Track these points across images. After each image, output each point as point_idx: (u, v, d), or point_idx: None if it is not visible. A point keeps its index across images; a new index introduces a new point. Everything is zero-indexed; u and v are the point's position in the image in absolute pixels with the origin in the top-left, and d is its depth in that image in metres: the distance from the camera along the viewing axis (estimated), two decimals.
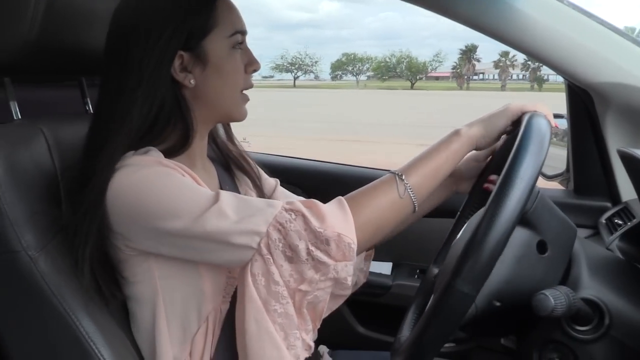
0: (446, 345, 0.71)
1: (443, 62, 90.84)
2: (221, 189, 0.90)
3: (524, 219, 0.74)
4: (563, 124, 1.33)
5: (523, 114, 0.89)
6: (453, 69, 78.24)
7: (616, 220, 1.13)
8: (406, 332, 0.92)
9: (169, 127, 0.86)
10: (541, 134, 0.74)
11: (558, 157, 1.37)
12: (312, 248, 0.74)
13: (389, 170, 0.86)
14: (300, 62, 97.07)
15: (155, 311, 0.84)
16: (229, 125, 1.05)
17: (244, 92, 0.91)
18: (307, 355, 0.82)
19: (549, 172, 1.40)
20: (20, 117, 0.92)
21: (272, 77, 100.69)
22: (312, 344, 0.83)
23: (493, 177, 1.00)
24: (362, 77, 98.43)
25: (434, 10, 1.17)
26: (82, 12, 0.95)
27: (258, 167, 1.09)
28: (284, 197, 1.11)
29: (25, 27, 0.83)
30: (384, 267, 1.52)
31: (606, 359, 0.73)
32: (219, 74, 0.86)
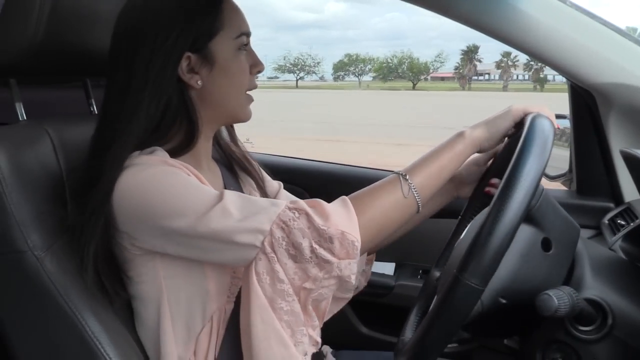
0: (449, 345, 0.71)
1: (445, 62, 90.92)
2: (225, 189, 0.91)
3: (528, 216, 0.74)
4: (565, 124, 1.33)
5: (526, 115, 0.89)
6: (455, 69, 78.24)
7: (619, 221, 1.13)
8: (409, 333, 0.92)
9: (175, 127, 0.86)
10: (544, 134, 0.75)
11: (560, 158, 1.37)
12: (315, 246, 0.75)
13: (392, 171, 0.86)
14: (303, 63, 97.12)
15: (160, 310, 0.84)
16: (232, 126, 1.05)
17: (248, 92, 0.92)
18: (314, 350, 0.82)
19: (552, 173, 1.40)
20: (25, 118, 0.93)
21: (277, 78, 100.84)
22: (319, 340, 0.83)
23: (495, 180, 1.01)
24: (368, 78, 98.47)
25: (437, 11, 1.17)
26: (86, 14, 0.95)
27: (261, 169, 1.09)
28: (288, 200, 1.12)
29: (31, 29, 0.83)
30: (387, 268, 1.52)
31: (609, 359, 0.73)
32: (225, 74, 0.87)
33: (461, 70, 73.38)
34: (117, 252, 0.84)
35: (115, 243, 0.82)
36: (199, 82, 0.85)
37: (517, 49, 1.15)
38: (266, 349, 0.76)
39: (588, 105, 1.22)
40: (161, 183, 0.78)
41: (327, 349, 1.10)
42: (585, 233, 1.06)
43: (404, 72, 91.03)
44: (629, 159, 0.88)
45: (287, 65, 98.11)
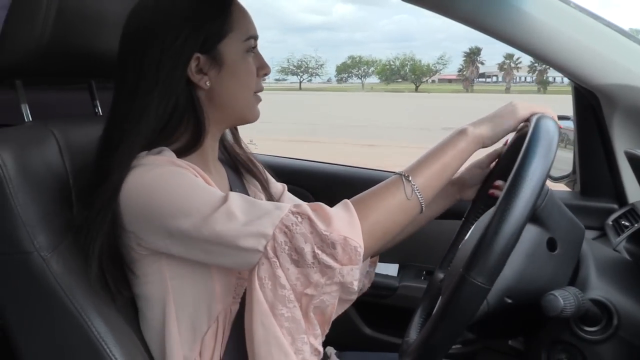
0: (453, 346, 0.71)
1: (447, 64, 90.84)
2: (231, 190, 0.91)
3: (534, 216, 0.74)
4: (568, 125, 1.33)
5: (531, 115, 0.89)
6: (459, 71, 78.17)
7: (623, 222, 1.13)
8: (413, 334, 0.92)
9: (182, 127, 0.87)
10: (550, 135, 0.75)
11: (563, 159, 1.37)
12: (318, 251, 0.74)
13: (394, 172, 0.85)
14: (306, 65, 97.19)
15: (166, 311, 0.84)
16: (236, 129, 1.06)
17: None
18: None
19: (555, 174, 1.40)
20: (30, 119, 0.93)
21: (285, 80, 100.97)
22: (321, 349, 0.82)
23: (499, 182, 1.01)
24: (374, 80, 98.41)
25: (441, 12, 1.17)
26: (92, 16, 0.96)
27: (265, 171, 1.10)
28: (291, 202, 1.12)
29: (37, 31, 0.84)
30: (391, 269, 1.52)
31: (614, 359, 0.73)
32: (233, 76, 0.87)
33: (464, 73, 73.32)
34: (124, 253, 0.84)
35: (121, 243, 0.83)
36: (207, 83, 0.86)
37: (521, 50, 1.16)
38: (267, 355, 0.76)
39: (592, 106, 1.22)
40: (168, 183, 0.78)
41: (331, 350, 1.10)
42: (589, 234, 1.06)
43: (406, 74, 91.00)
44: (633, 159, 0.88)
45: (291, 67, 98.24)
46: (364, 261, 1.03)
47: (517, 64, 68.13)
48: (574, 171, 1.35)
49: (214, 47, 0.85)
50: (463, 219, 1.05)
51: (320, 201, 0.79)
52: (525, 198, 0.66)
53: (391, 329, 1.51)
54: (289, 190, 1.15)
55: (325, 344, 0.87)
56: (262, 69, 0.92)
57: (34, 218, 0.79)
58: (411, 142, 11.11)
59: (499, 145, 1.04)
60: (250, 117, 0.93)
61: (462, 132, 0.88)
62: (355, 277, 0.76)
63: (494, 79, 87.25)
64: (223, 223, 0.75)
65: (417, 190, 0.82)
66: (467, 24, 1.16)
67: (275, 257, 0.75)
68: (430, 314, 0.97)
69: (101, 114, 1.14)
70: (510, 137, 0.98)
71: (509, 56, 66.69)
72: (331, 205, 0.79)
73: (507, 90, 62.17)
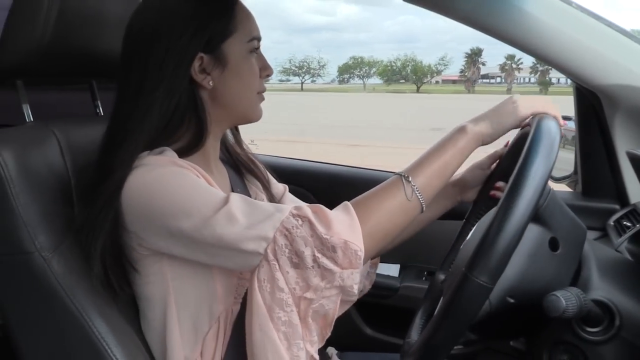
0: (454, 347, 0.71)
1: (449, 65, 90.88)
2: (233, 190, 0.91)
3: (536, 216, 0.74)
4: (569, 126, 1.32)
5: (533, 115, 0.88)
6: (461, 72, 78.18)
7: (624, 222, 1.12)
8: (415, 335, 0.92)
9: (183, 126, 0.87)
10: (551, 135, 0.75)
11: (564, 160, 1.36)
12: (318, 255, 0.74)
13: (394, 172, 0.85)
14: (308, 66, 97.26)
15: (167, 311, 0.84)
16: (237, 129, 1.06)
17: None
18: None
19: (557, 175, 1.39)
20: (32, 119, 0.93)
21: (289, 80, 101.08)
22: (317, 357, 0.82)
23: (500, 184, 1.00)
24: (377, 81, 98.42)
25: (442, 12, 1.17)
26: (93, 17, 0.96)
27: (267, 171, 1.09)
28: (292, 203, 1.12)
29: (38, 31, 0.84)
30: (392, 269, 1.52)
31: None
32: (236, 76, 0.87)
33: (466, 74, 73.33)
34: (126, 252, 0.84)
35: (123, 243, 0.83)
36: (210, 83, 0.86)
37: (523, 50, 1.15)
38: (262, 358, 0.76)
39: (593, 106, 1.22)
40: (170, 183, 0.78)
41: (332, 351, 1.10)
42: (591, 235, 1.06)
43: (407, 75, 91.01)
44: (635, 160, 0.88)
45: (292, 68, 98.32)
46: (364, 263, 1.03)
47: (518, 65, 68.12)
48: (575, 171, 1.35)
49: (217, 47, 0.85)
50: (464, 220, 1.05)
51: (321, 202, 0.79)
52: (527, 197, 0.66)
53: (392, 329, 1.51)
54: (290, 190, 1.14)
55: (326, 344, 0.86)
56: (265, 70, 0.92)
57: (35, 218, 0.79)
58: (394, 142, 11.42)
59: (500, 146, 1.04)
60: (253, 116, 0.93)
61: (461, 130, 0.87)
62: (355, 281, 0.75)
63: (497, 79, 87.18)
64: (224, 225, 0.75)
65: (418, 190, 0.82)
66: (468, 24, 1.16)
67: (275, 260, 0.74)
68: (431, 314, 0.97)
69: (102, 114, 1.14)
70: (511, 138, 0.98)
71: (510, 57, 66.69)
72: (332, 206, 0.79)
73: (509, 92, 62.11)
